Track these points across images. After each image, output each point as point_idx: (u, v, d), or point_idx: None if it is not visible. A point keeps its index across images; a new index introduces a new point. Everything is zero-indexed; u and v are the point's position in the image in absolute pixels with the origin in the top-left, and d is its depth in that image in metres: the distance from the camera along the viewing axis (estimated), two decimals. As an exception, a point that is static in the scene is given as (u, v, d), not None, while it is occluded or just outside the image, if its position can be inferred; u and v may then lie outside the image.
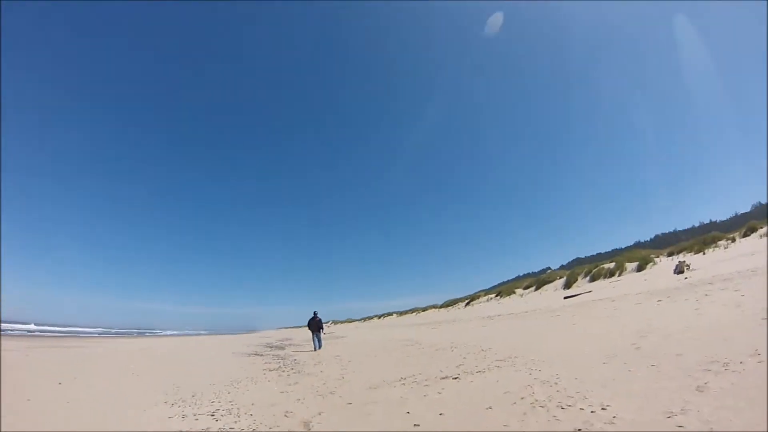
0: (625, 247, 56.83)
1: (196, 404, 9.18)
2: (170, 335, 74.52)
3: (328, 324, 63.12)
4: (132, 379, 12.93)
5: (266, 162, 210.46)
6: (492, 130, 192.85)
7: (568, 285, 31.35)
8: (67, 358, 19.43)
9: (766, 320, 7.74)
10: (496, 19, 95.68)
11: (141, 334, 72.67)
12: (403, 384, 9.11)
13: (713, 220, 65.56)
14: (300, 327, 79.95)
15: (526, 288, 37.45)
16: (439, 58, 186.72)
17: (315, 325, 22.10)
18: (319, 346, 21.76)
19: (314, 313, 22.36)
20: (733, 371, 5.66)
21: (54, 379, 12.13)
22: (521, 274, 70.62)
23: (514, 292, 37.62)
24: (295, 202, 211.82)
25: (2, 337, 29.05)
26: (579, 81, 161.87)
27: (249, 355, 22.18)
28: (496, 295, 40.16)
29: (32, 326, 61.41)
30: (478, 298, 43.28)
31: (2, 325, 49.87)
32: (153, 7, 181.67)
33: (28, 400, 9.24)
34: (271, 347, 28.89)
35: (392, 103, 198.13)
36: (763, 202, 53.03)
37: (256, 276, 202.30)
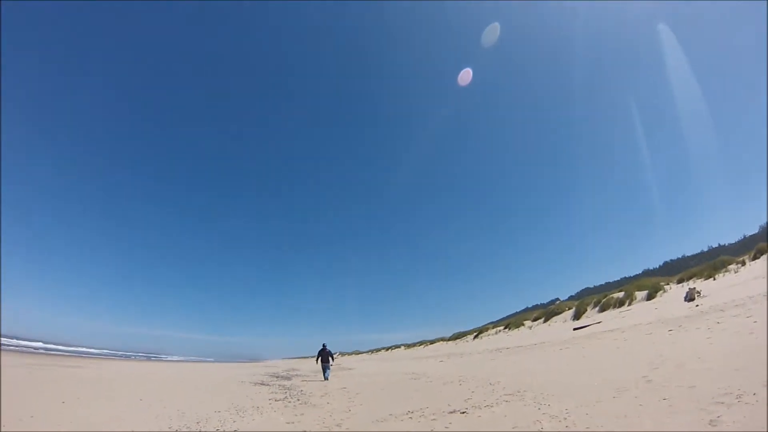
0: (634, 276, 56.36)
1: (200, 431, 9.05)
2: (176, 360, 73.50)
3: (336, 355, 62.61)
4: (137, 403, 12.72)
5: (273, 198, 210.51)
6: (495, 161, 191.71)
7: (577, 316, 30.86)
8: (71, 377, 19.21)
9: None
10: (493, 30, 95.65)
11: (147, 358, 71.65)
12: (410, 418, 8.94)
13: (722, 243, 64.63)
14: (306, 357, 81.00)
15: (534, 320, 36.79)
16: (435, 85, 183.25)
17: (324, 356, 22.89)
18: (328, 378, 22.30)
19: (323, 345, 23.17)
20: (746, 403, 5.54)
21: (57, 398, 12.02)
22: (530, 306, 69.72)
23: (523, 324, 37.04)
24: (303, 235, 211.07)
25: (6, 353, 29.00)
26: (581, 100, 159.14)
27: (255, 384, 21.84)
28: (505, 328, 39.55)
29: (39, 344, 61.01)
30: (487, 331, 42.62)
31: (10, 341, 50.39)
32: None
33: (32, 416, 9.22)
34: (277, 377, 28.39)
35: (391, 130, 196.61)
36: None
37: (264, 305, 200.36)
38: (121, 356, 67.06)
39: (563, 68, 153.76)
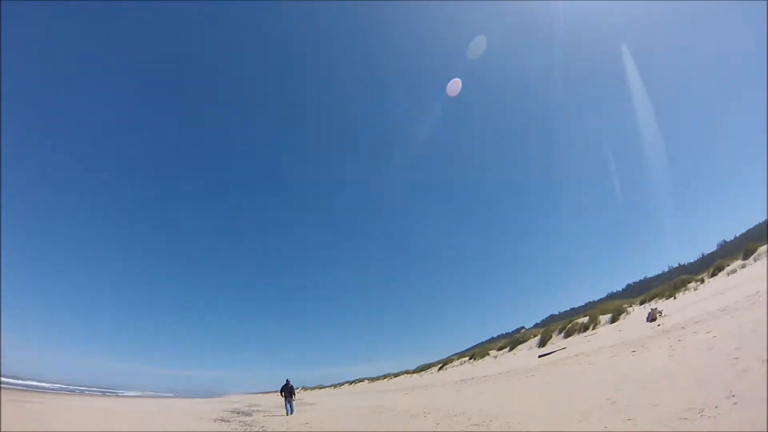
0: (598, 300, 56.96)
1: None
2: (133, 396, 68.93)
3: (298, 390, 60.68)
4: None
5: (235, 224, 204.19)
6: (459, 189, 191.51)
7: (542, 343, 30.70)
8: (24, 413, 17.63)
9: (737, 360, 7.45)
10: (479, 43, 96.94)
11: (102, 393, 65.77)
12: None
13: (681, 263, 66.21)
14: (267, 393, 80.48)
15: (500, 349, 36.46)
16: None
17: (288, 391, 23.71)
18: (291, 412, 22.82)
19: (287, 380, 24.20)
20: (709, 417, 5.32)
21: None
22: (495, 336, 69.44)
23: (488, 354, 36.66)
24: (262, 264, 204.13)
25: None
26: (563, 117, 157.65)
27: (215, 420, 20.60)
28: (470, 358, 39.04)
29: None
30: (452, 362, 42.03)
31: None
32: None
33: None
34: (238, 413, 27.06)
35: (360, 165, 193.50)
36: (728, 240, 54.40)
37: (222, 339, 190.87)
38: (73, 391, 61.90)
39: (546, 83, 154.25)
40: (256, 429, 15.97)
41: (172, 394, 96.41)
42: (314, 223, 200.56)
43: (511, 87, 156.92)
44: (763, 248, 23.23)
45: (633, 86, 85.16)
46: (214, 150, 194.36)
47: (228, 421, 20.35)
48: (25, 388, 48.62)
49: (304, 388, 79.51)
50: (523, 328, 47.38)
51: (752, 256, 23.50)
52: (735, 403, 5.43)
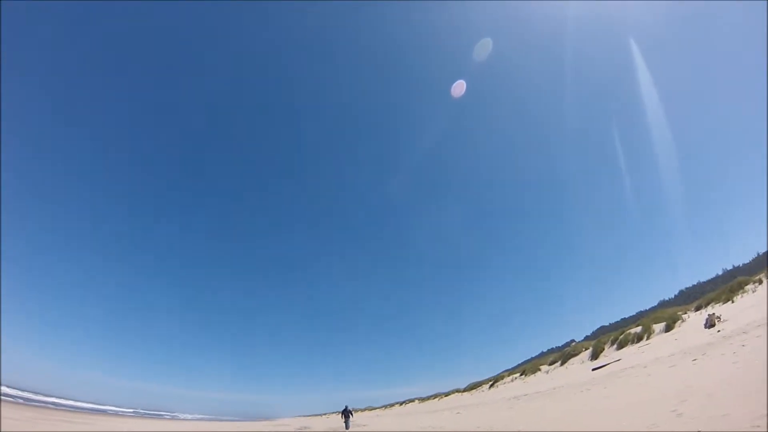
0: (650, 308, 54.69)
1: None
2: (188, 419, 70.85)
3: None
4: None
5: (280, 250, 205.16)
6: (502, 200, 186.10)
7: (594, 356, 29.77)
8: None
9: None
10: (485, 45, 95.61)
11: (159, 416, 68.11)
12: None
13: (736, 264, 62.63)
14: (317, 415, 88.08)
15: (551, 364, 35.66)
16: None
17: (346, 413, 31.96)
18: (348, 426, 30.78)
19: (345, 406, 32.51)
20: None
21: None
22: (544, 350, 67.61)
23: (539, 369, 35.80)
24: (310, 287, 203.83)
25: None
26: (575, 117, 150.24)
27: None
28: (521, 374, 38.21)
29: (41, 397, 56.58)
30: (502, 379, 41.22)
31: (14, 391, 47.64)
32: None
33: None
34: None
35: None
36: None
37: (270, 362, 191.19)
38: (132, 414, 63.65)
39: (554, 83, 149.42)
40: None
41: (225, 417, 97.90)
42: (359, 245, 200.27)
43: (517, 88, 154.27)
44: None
45: (642, 84, 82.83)
46: (230, 158, 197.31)
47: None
48: (85, 410, 50.17)
49: (354, 411, 79.82)
50: (573, 341, 46.18)
51: (815, 253, 22.35)
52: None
